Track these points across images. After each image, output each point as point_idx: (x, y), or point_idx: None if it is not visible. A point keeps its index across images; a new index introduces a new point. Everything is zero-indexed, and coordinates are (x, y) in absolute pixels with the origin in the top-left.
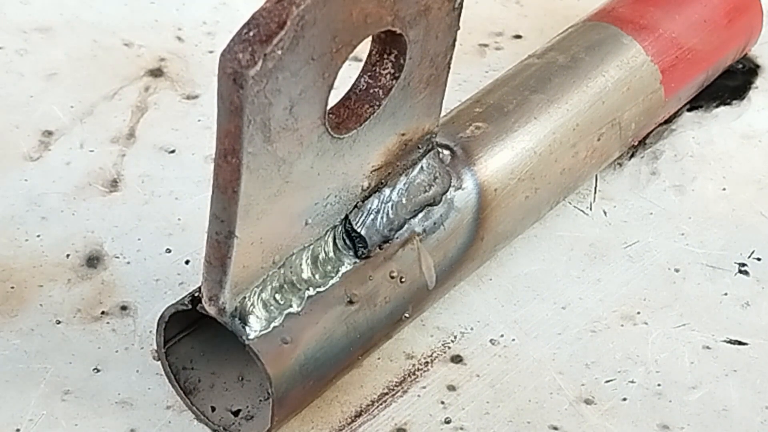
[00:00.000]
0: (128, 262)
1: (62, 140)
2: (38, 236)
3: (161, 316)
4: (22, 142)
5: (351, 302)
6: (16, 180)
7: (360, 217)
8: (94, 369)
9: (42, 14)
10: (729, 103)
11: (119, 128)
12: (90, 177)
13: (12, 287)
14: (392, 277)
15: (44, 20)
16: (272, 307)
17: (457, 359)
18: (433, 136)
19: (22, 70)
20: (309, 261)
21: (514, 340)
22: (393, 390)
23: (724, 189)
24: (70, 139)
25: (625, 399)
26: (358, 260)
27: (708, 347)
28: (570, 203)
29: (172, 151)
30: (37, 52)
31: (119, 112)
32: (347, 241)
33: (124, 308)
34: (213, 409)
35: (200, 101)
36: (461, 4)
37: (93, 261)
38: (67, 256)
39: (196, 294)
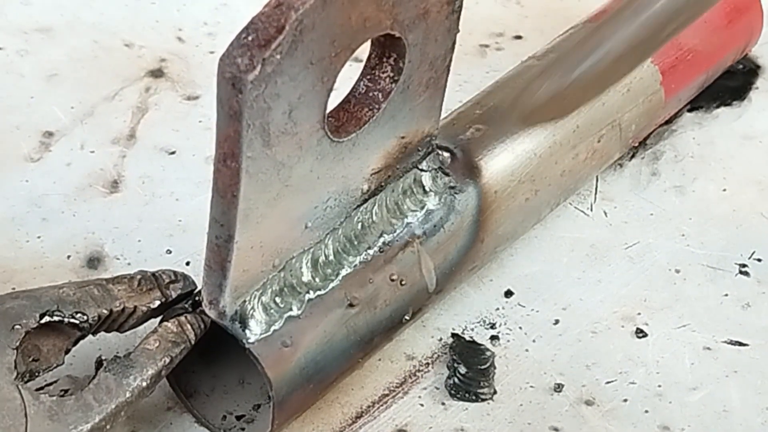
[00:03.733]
0: (129, 263)
1: (63, 141)
2: (39, 237)
3: (162, 319)
4: (22, 143)
5: (351, 305)
6: (16, 181)
7: None
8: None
9: (42, 15)
10: (729, 104)
11: (120, 129)
12: (90, 178)
13: (13, 288)
14: (392, 280)
15: (45, 21)
16: (272, 311)
17: None
18: (433, 138)
19: (23, 70)
20: (309, 264)
21: (514, 341)
22: (394, 391)
23: (724, 190)
24: (70, 140)
25: (625, 400)
26: (358, 263)
27: (708, 348)
28: (570, 204)
29: (173, 152)
30: (37, 53)
31: (120, 113)
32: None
33: None
34: (213, 412)
35: (201, 102)
36: (460, 7)
37: (94, 262)
38: (68, 257)
39: (197, 297)
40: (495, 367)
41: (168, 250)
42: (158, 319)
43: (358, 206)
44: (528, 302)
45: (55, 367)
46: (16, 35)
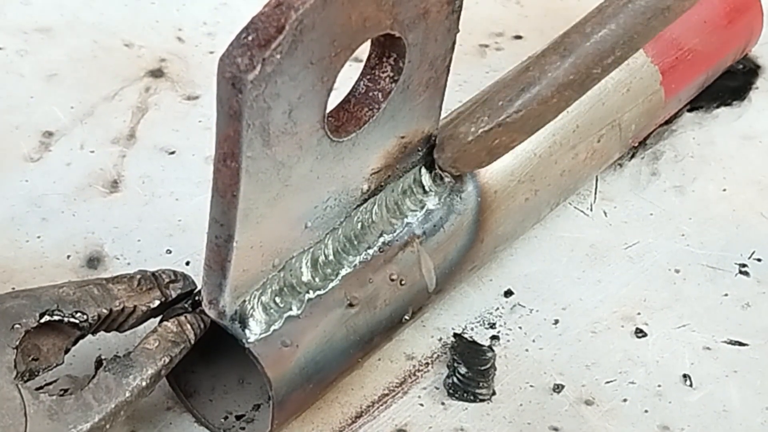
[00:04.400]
0: (129, 263)
1: (63, 141)
2: (39, 237)
3: (162, 318)
4: (22, 142)
5: (351, 305)
6: (16, 181)
7: None
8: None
9: (42, 15)
10: (729, 104)
11: (120, 129)
12: (90, 178)
13: (13, 288)
14: (392, 280)
15: (45, 21)
16: (272, 311)
17: None
18: (433, 138)
19: (23, 70)
20: (309, 264)
21: (514, 341)
22: (393, 391)
23: (724, 190)
24: (70, 139)
25: (625, 400)
26: (358, 263)
27: (708, 348)
28: (570, 204)
29: (173, 152)
30: (37, 53)
31: (120, 113)
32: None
33: None
34: (213, 412)
35: (200, 102)
36: (460, 6)
37: (93, 262)
38: (68, 257)
39: (197, 297)
40: (495, 368)
41: (168, 250)
42: (158, 318)
43: (358, 206)
44: (528, 302)
45: (55, 367)
46: (16, 35)
